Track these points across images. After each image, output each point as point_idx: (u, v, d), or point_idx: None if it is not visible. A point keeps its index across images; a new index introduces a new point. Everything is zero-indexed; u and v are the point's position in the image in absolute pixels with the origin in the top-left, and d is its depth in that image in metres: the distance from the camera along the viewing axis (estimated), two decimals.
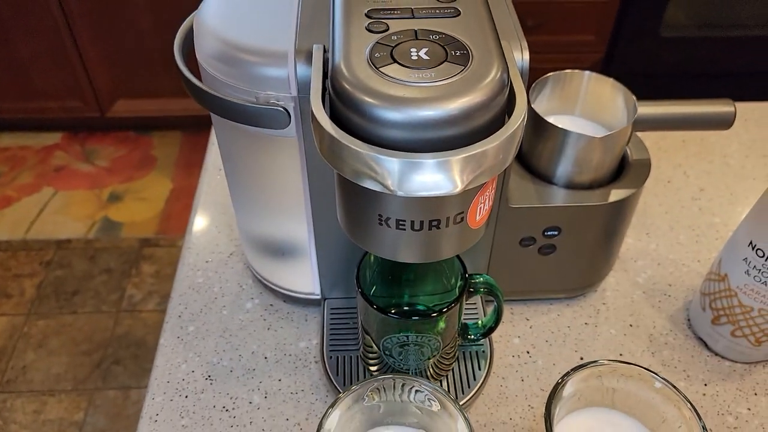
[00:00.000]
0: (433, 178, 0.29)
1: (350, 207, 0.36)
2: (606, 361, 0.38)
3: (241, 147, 0.46)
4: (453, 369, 0.49)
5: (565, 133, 0.47)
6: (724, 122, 0.49)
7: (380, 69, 0.31)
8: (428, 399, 0.38)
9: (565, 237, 0.50)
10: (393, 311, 0.42)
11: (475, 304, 0.54)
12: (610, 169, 0.49)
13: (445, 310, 0.42)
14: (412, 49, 0.32)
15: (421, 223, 0.34)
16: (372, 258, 0.46)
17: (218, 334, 0.54)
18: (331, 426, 0.36)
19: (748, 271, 0.47)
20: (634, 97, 0.48)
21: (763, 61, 1.75)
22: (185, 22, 0.44)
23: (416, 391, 0.38)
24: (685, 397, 0.37)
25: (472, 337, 0.49)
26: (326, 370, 0.49)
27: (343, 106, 0.31)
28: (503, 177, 0.45)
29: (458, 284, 0.46)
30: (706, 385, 0.51)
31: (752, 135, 0.73)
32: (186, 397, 0.50)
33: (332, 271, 0.51)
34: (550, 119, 0.47)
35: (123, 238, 1.65)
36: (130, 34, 1.63)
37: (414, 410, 0.39)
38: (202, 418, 0.48)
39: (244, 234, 0.55)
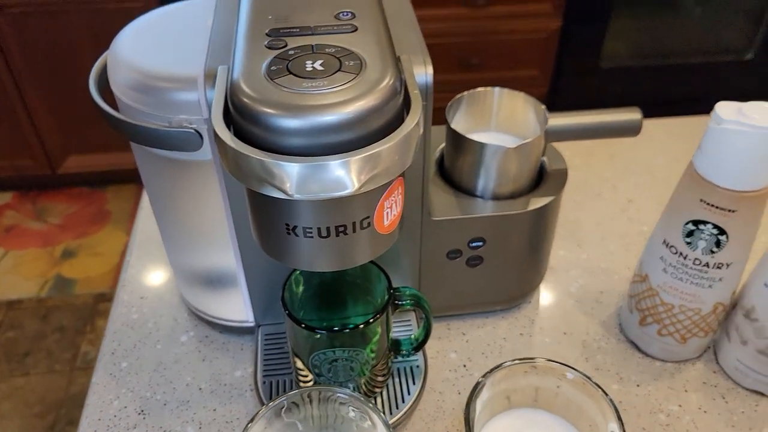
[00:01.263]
0: (328, 179, 0.30)
1: (260, 220, 0.36)
2: (519, 360, 0.39)
3: (163, 177, 0.47)
4: (387, 386, 0.49)
5: (481, 146, 0.48)
6: (632, 129, 0.51)
7: (275, 80, 0.32)
8: (352, 410, 0.38)
9: (490, 247, 0.51)
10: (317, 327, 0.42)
11: (409, 321, 0.54)
12: (528, 179, 0.51)
13: (371, 320, 0.43)
14: (307, 62, 0.33)
15: (328, 229, 0.34)
16: (297, 280, 0.46)
17: (152, 368, 0.53)
18: None
19: (665, 268, 0.48)
20: (545, 108, 0.50)
21: (701, 87, 1.83)
22: (99, 60, 0.45)
23: (339, 402, 0.38)
24: (597, 385, 0.38)
25: (404, 352, 0.49)
26: (260, 396, 0.49)
27: (242, 119, 0.32)
28: (422, 190, 0.46)
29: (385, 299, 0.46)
30: (638, 385, 0.51)
31: (678, 148, 0.76)
32: None
33: (263, 298, 0.51)
34: (469, 135, 0.49)
35: (77, 295, 1.61)
36: (78, 89, 1.63)
37: (338, 424, 0.39)
38: None
39: (175, 267, 0.55)
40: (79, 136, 1.73)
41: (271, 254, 0.38)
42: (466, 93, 0.52)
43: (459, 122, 0.53)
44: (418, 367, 0.51)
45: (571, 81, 1.74)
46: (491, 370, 0.38)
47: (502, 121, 0.53)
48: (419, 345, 0.49)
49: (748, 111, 0.41)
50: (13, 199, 1.87)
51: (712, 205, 0.44)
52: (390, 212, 0.36)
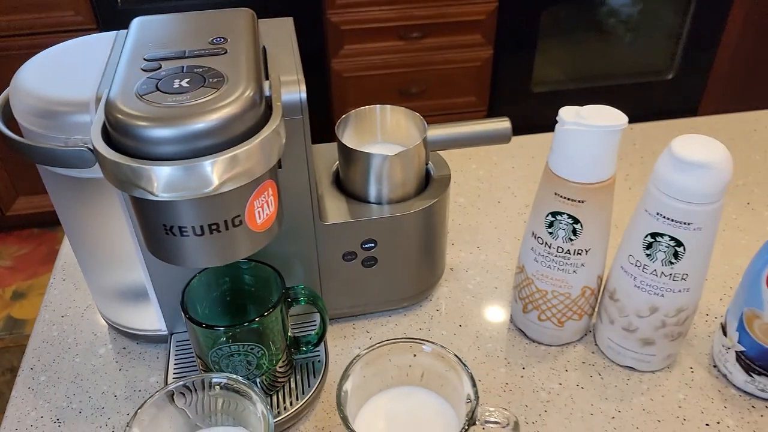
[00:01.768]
0: (189, 180, 0.35)
1: (143, 224, 0.40)
2: (387, 341, 0.43)
3: (69, 198, 0.51)
4: (290, 380, 0.53)
5: (366, 155, 0.53)
6: (504, 137, 0.57)
7: (144, 97, 0.36)
8: (235, 393, 0.42)
9: (383, 248, 0.56)
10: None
11: (314, 321, 0.58)
12: (415, 185, 0.56)
13: (264, 315, 0.47)
14: (176, 80, 0.38)
15: (201, 227, 0.39)
16: (198, 287, 0.50)
17: (69, 380, 0.56)
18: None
19: (536, 258, 0.54)
20: (423, 119, 0.56)
21: (627, 106, 1.93)
22: (4, 93, 0.49)
23: (223, 386, 0.42)
24: (454, 354, 0.42)
25: (304, 348, 0.53)
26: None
27: (116, 133, 0.36)
28: (311, 197, 0.51)
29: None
30: (524, 368, 0.56)
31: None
32: None
33: (173, 307, 0.55)
34: (359, 149, 0.54)
35: (27, 335, 1.60)
36: None
37: (225, 409, 0.43)
38: None
39: (91, 285, 0.58)
40: (27, 178, 1.75)
41: (158, 255, 0.42)
42: (353, 111, 0.57)
43: (350, 138, 0.58)
44: (319, 362, 0.54)
45: (506, 106, 1.83)
46: (358, 355, 0.42)
47: (388, 134, 0.59)
48: (317, 341, 0.53)
49: (585, 113, 0.47)
50: None
51: (565, 198, 0.49)
52: (262, 211, 0.41)
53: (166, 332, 0.57)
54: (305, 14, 1.62)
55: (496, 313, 0.61)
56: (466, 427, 0.39)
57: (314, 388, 0.52)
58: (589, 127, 0.46)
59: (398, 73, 1.76)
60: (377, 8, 1.64)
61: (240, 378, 0.41)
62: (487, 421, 0.41)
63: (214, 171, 0.35)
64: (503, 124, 0.57)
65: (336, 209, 0.55)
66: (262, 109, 0.39)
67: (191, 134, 0.35)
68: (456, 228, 0.71)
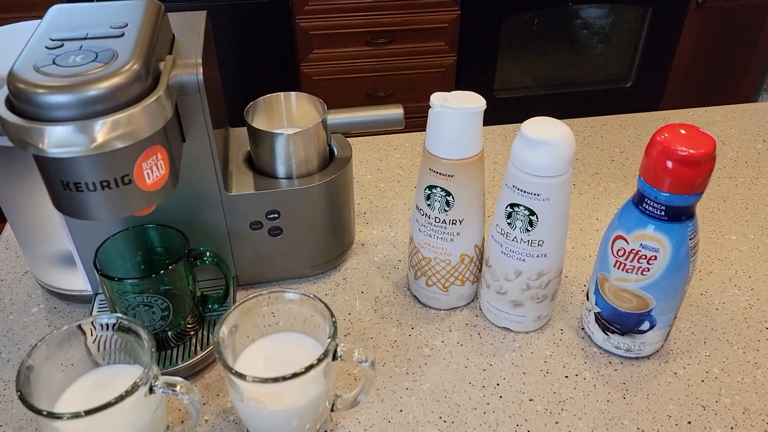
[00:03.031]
0: (74, 138, 0.41)
1: (46, 183, 0.46)
2: (260, 292, 0.49)
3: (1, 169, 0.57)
4: (198, 333, 0.59)
5: (269, 135, 0.60)
6: (397, 123, 0.64)
7: (40, 69, 0.43)
8: (129, 333, 0.48)
9: (286, 219, 0.62)
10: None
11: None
12: (317, 163, 0.63)
13: (169, 267, 0.53)
14: (71, 56, 0.44)
15: (94, 184, 0.45)
16: (111, 248, 0.56)
17: (2, 334, 0.62)
18: (31, 369, 0.45)
19: (420, 228, 0.60)
20: (323, 103, 0.62)
21: (587, 113, 2.01)
22: None
23: (106, 324, 0.48)
24: (314, 296, 0.48)
25: (210, 306, 0.59)
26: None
27: (17, 101, 0.43)
28: (215, 169, 0.57)
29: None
30: (413, 328, 0.62)
31: (494, 150, 0.89)
32: None
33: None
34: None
35: None
36: None
37: (124, 348, 0.49)
38: None
39: (26, 251, 0.64)
40: None
41: (63, 210, 0.48)
42: (261, 98, 0.64)
43: (259, 122, 0.64)
44: None
45: None
46: (231, 308, 0.49)
47: (294, 119, 0.65)
48: (223, 299, 0.59)
49: (451, 98, 0.54)
50: None
51: (437, 173, 0.56)
52: (151, 173, 0.47)
53: (91, 293, 0.63)
54: (275, 20, 1.70)
55: (396, 283, 0.67)
56: (323, 357, 0.45)
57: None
58: (453, 110, 0.53)
59: (366, 77, 1.83)
60: (345, 15, 1.72)
61: (125, 316, 0.47)
62: (345, 359, 0.47)
63: (98, 130, 0.41)
64: (396, 110, 0.63)
65: (244, 183, 0.61)
66: (150, 84, 0.45)
67: (80, 101, 0.42)
68: (373, 209, 0.78)
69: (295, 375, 0.44)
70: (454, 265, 0.60)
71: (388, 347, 0.60)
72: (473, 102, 0.54)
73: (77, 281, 0.63)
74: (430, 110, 0.55)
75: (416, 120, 1.99)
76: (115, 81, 0.43)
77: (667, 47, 1.89)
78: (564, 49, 1.91)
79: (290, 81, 1.80)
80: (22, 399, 0.42)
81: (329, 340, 0.46)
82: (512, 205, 0.54)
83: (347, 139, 0.67)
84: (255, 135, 0.61)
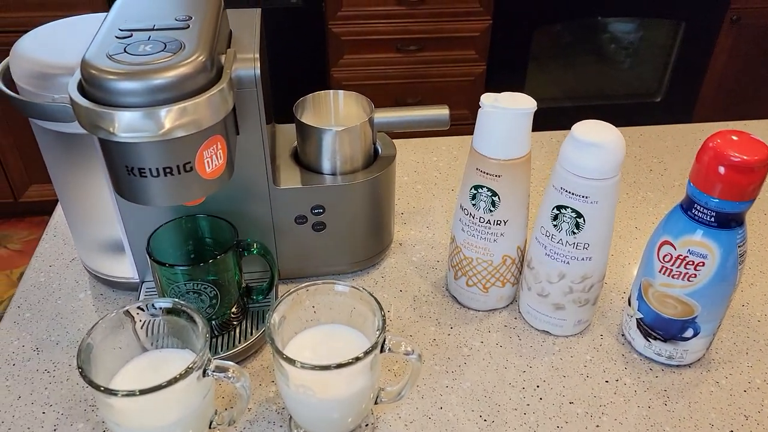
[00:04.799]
0: (143, 124, 0.42)
1: (110, 167, 0.48)
2: (310, 283, 0.50)
3: (58, 153, 0.59)
4: (242, 323, 0.60)
5: (318, 130, 0.61)
6: (442, 123, 0.64)
7: (112, 57, 0.44)
8: (180, 318, 0.49)
9: (331, 214, 0.63)
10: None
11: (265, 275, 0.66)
12: (362, 160, 0.64)
13: (218, 256, 0.54)
14: (141, 46, 0.46)
15: (157, 170, 0.46)
16: (162, 236, 0.57)
17: (51, 318, 0.63)
18: (91, 347, 0.46)
19: (463, 228, 0.60)
20: (371, 102, 0.63)
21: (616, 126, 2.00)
22: (4, 61, 0.57)
23: (164, 308, 0.49)
24: (363, 289, 0.49)
25: (255, 297, 0.60)
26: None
27: (90, 87, 0.44)
28: (265, 163, 0.58)
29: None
30: (452, 328, 0.63)
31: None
32: (13, 365, 0.58)
33: (144, 257, 0.62)
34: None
35: None
36: None
37: (175, 332, 0.50)
38: (25, 379, 0.57)
39: (76, 237, 0.66)
40: (41, 167, 1.84)
41: (123, 195, 0.49)
42: (310, 95, 0.65)
43: (307, 118, 0.65)
44: (269, 310, 0.61)
45: None
46: (283, 295, 0.49)
47: (341, 117, 0.66)
48: (267, 290, 0.60)
49: (501, 99, 0.54)
50: None
51: (484, 172, 0.56)
52: (211, 162, 0.48)
53: (137, 280, 0.65)
54: (309, 24, 1.72)
55: (435, 283, 0.68)
56: (372, 349, 0.45)
57: (262, 331, 0.59)
58: (503, 110, 0.54)
59: (395, 83, 1.84)
60: (377, 21, 1.73)
61: (182, 301, 0.48)
62: (393, 350, 0.47)
63: (166, 117, 0.43)
64: (442, 110, 0.64)
65: (291, 178, 0.62)
66: (214, 75, 0.47)
67: (149, 88, 0.43)
68: (411, 210, 0.78)
69: (344, 364, 0.44)
70: (496, 266, 0.61)
71: (428, 345, 0.61)
72: (523, 103, 0.54)
73: (124, 268, 0.64)
74: (479, 110, 0.55)
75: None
76: (182, 70, 0.44)
77: (699, 62, 1.88)
78: (593, 61, 1.91)
79: (320, 85, 1.82)
80: (83, 375, 0.43)
81: (378, 332, 0.47)
82: (559, 207, 0.55)
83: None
84: (303, 130, 0.62)
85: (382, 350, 0.47)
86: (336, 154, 0.62)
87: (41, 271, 0.69)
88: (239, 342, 0.58)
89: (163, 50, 0.45)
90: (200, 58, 0.45)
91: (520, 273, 0.63)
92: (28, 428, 0.53)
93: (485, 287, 0.62)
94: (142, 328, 0.50)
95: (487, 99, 0.55)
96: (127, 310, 0.49)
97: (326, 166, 0.63)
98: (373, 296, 0.49)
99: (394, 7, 1.71)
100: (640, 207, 0.80)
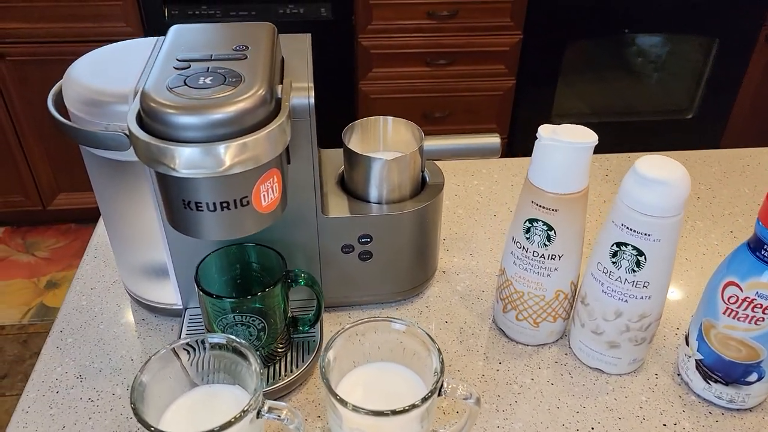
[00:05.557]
0: (204, 160, 0.41)
1: (166, 199, 0.47)
2: (367, 319, 0.49)
3: (106, 178, 0.58)
4: (287, 355, 0.59)
5: (368, 159, 0.60)
6: (494, 152, 0.63)
7: (173, 89, 0.43)
8: (233, 353, 0.48)
9: (378, 244, 0.61)
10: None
11: (313, 307, 0.64)
12: (410, 189, 0.62)
13: (267, 289, 0.53)
14: (201, 78, 0.45)
15: (214, 204, 0.45)
16: (211, 264, 0.56)
17: (93, 343, 0.63)
18: (143, 386, 0.45)
19: (515, 261, 0.59)
20: (421, 130, 0.62)
21: (646, 143, 1.97)
22: (57, 84, 0.57)
23: (222, 345, 0.48)
24: (420, 328, 0.48)
25: (301, 328, 0.59)
26: None
27: (148, 119, 0.43)
28: (314, 192, 0.57)
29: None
30: (500, 363, 0.61)
31: None
32: (57, 392, 0.58)
33: (188, 283, 0.62)
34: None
35: None
36: None
37: (223, 368, 0.49)
38: (68, 408, 0.56)
39: (119, 260, 0.65)
40: (69, 175, 1.86)
41: (178, 228, 0.48)
42: (358, 121, 0.64)
43: (355, 145, 0.64)
44: (314, 341, 0.60)
45: (525, 134, 1.89)
46: (337, 332, 0.48)
47: (389, 143, 0.65)
48: (314, 321, 0.59)
49: (560, 131, 0.53)
50: (4, 234, 1.98)
51: (540, 206, 0.55)
52: (267, 195, 0.47)
53: (180, 307, 0.64)
54: (338, 37, 1.71)
55: (480, 314, 0.66)
56: (429, 395, 0.44)
57: (308, 363, 0.58)
58: (563, 143, 0.52)
59: (423, 97, 1.83)
60: (407, 35, 1.72)
61: (237, 338, 0.47)
62: (450, 394, 0.46)
63: (226, 154, 0.42)
64: (493, 139, 0.63)
65: (337, 205, 0.61)
66: (272, 108, 0.46)
67: (210, 123, 0.42)
68: (453, 236, 0.77)
69: (400, 411, 0.43)
70: (548, 301, 0.59)
71: (477, 381, 0.59)
72: (584, 136, 0.53)
73: (168, 294, 0.64)
74: (537, 142, 0.54)
75: None
76: (243, 105, 0.43)
77: (732, 80, 1.85)
78: (624, 77, 1.88)
79: (348, 98, 1.81)
80: (137, 414, 0.42)
81: (436, 375, 0.46)
82: (618, 244, 0.53)
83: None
84: (352, 158, 0.61)
85: (438, 394, 0.46)
86: (385, 182, 0.61)
87: (83, 294, 0.68)
88: (285, 375, 0.57)
89: (223, 83, 0.44)
90: (260, 92, 0.44)
91: (572, 307, 0.62)
92: None
93: (536, 322, 0.61)
94: (191, 363, 0.49)
95: (545, 131, 0.53)
96: (176, 349, 0.48)
97: (374, 194, 0.61)
98: (430, 337, 0.48)
99: (424, 20, 1.70)
100: (689, 237, 0.77)
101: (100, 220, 0.79)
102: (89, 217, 2.01)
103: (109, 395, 0.57)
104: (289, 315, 0.59)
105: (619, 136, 1.94)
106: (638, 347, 0.58)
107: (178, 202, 0.46)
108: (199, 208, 0.46)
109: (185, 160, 0.41)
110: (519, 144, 1.91)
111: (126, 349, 0.62)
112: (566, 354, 0.62)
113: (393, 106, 1.84)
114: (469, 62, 1.78)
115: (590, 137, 0.52)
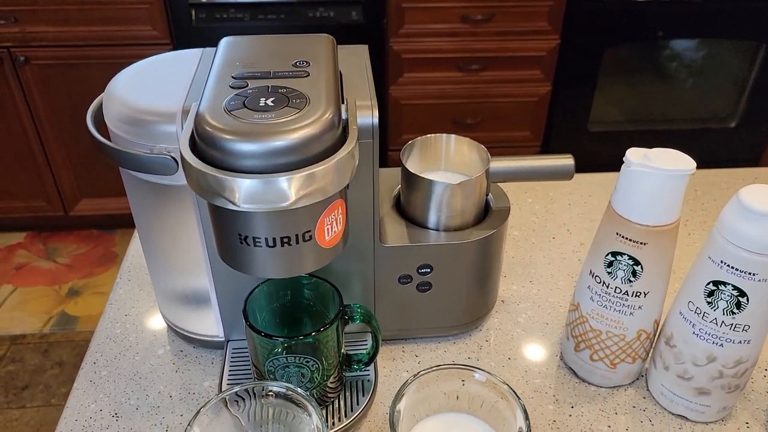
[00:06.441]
0: (268, 193, 0.37)
1: (220, 232, 0.42)
2: (442, 366, 0.44)
3: (147, 202, 0.54)
4: (339, 396, 0.54)
5: (429, 182, 0.55)
6: (566, 173, 0.57)
7: (232, 113, 0.39)
8: (290, 403, 0.43)
9: (438, 274, 0.56)
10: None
11: (365, 341, 0.59)
12: (474, 214, 0.57)
13: (320, 330, 0.48)
14: (261, 99, 0.40)
15: (274, 240, 0.40)
16: (259, 296, 0.52)
17: (129, 377, 0.58)
18: None
19: (592, 297, 0.53)
20: (487, 150, 0.57)
21: (686, 152, 1.90)
22: (96, 99, 0.52)
23: (281, 395, 0.43)
24: (505, 383, 0.42)
25: (355, 366, 0.54)
26: None
27: (204, 144, 0.39)
28: (373, 219, 0.52)
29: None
30: (572, 407, 0.55)
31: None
32: None
33: (232, 315, 0.57)
34: (421, 175, 0.55)
35: (78, 331, 1.66)
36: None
37: (277, 418, 0.44)
38: None
39: (157, 287, 0.61)
40: (92, 180, 1.83)
41: (229, 262, 0.43)
42: (418, 138, 0.59)
43: (413, 164, 0.59)
44: (369, 381, 0.55)
45: (560, 142, 1.82)
46: (413, 376, 0.43)
47: (451, 163, 0.60)
48: (369, 359, 0.54)
49: (653, 156, 0.47)
50: (26, 239, 1.95)
51: (627, 238, 0.49)
52: (331, 228, 0.42)
53: (222, 339, 0.59)
54: (368, 41, 1.66)
55: (546, 349, 0.61)
56: None
57: (363, 407, 0.53)
58: (656, 170, 0.47)
59: (454, 103, 1.78)
60: (439, 39, 1.67)
61: (298, 389, 0.42)
62: None
63: (291, 186, 0.37)
64: (567, 161, 0.57)
65: (396, 233, 0.56)
66: (339, 131, 0.41)
67: (274, 150, 0.37)
68: (509, 261, 0.71)
69: None
70: (629, 341, 0.54)
71: (548, 428, 0.54)
72: (680, 163, 0.47)
73: (208, 325, 0.59)
74: (624, 168, 0.49)
75: (505, 149, 1.92)
76: (311, 130, 0.38)
77: None
78: (662, 84, 1.81)
79: (378, 104, 1.76)
80: None
81: None
82: (717, 283, 0.47)
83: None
84: (410, 180, 0.56)
85: None
86: (447, 208, 0.55)
87: (117, 321, 0.64)
88: (339, 419, 0.52)
89: (286, 105, 0.40)
90: (328, 115, 0.39)
91: (652, 347, 0.56)
92: None
93: (613, 363, 0.55)
94: (242, 412, 0.44)
95: (634, 155, 0.48)
96: (227, 400, 0.43)
97: (433, 219, 0.56)
98: (514, 391, 0.42)
99: (457, 24, 1.65)
100: None
101: (134, 239, 0.75)
102: (111, 223, 1.98)
103: None
104: (343, 351, 0.54)
105: (659, 145, 1.86)
106: (730, 395, 0.52)
107: (233, 237, 0.41)
108: (257, 244, 0.41)
109: (246, 194, 0.37)
110: (554, 153, 1.84)
111: (164, 384, 0.57)
112: (644, 398, 0.56)
113: (422, 111, 1.78)
114: (503, 67, 1.72)
115: (687, 164, 0.47)
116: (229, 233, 0.41)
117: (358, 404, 0.53)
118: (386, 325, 0.59)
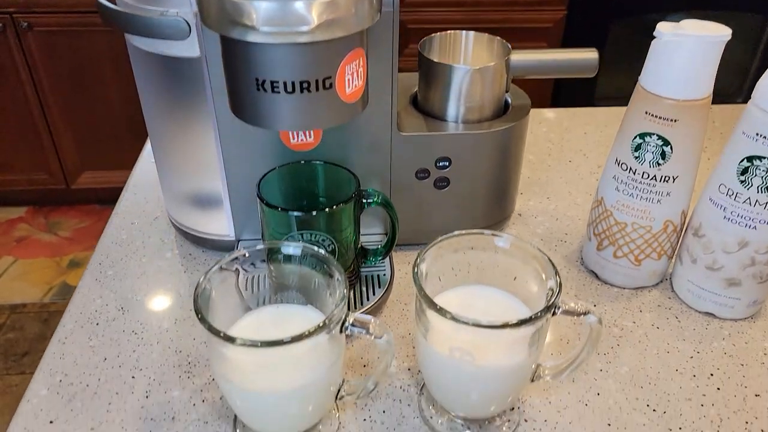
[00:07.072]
0: (289, 14, 0.35)
1: (233, 80, 0.40)
2: (463, 232, 0.42)
3: (157, 81, 0.51)
4: (354, 289, 0.52)
5: (449, 68, 0.53)
6: (590, 68, 0.56)
7: None
8: (307, 266, 0.41)
9: (456, 169, 0.54)
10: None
11: (379, 238, 0.57)
12: (492, 108, 0.55)
13: (334, 207, 0.46)
14: None
15: (293, 84, 0.39)
16: (273, 179, 0.50)
17: (136, 276, 0.56)
18: (205, 299, 0.38)
19: (617, 187, 0.52)
20: (507, 43, 0.55)
21: None
22: None
23: (290, 256, 0.41)
24: (530, 243, 0.40)
25: (372, 258, 0.52)
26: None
27: None
28: (391, 106, 0.50)
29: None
30: (595, 305, 0.54)
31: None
32: (97, 324, 0.51)
33: (243, 213, 0.55)
34: None
35: None
36: (98, 108, 1.72)
37: (296, 284, 0.42)
38: (110, 340, 0.50)
39: (165, 189, 0.59)
40: (94, 153, 1.81)
41: (245, 117, 0.42)
42: (437, 34, 0.57)
43: (433, 58, 0.58)
44: (384, 275, 0.53)
45: None
46: (430, 244, 0.41)
47: (470, 58, 0.58)
48: (386, 251, 0.52)
49: (685, 25, 0.46)
50: (27, 213, 1.93)
51: (656, 116, 0.48)
52: (351, 80, 0.41)
53: (233, 238, 0.57)
54: None
55: (567, 256, 0.59)
56: (542, 313, 0.37)
57: (378, 297, 0.51)
58: (690, 37, 0.45)
59: None
60: (446, 9, 1.66)
61: (314, 248, 0.40)
62: (568, 312, 0.38)
63: (315, 11, 0.35)
64: (590, 54, 0.55)
65: (414, 124, 0.54)
66: None
67: None
68: (525, 181, 0.70)
69: (509, 325, 0.36)
70: (655, 234, 0.52)
71: (570, 325, 0.52)
72: (714, 29, 0.45)
73: (219, 225, 0.57)
74: (654, 42, 0.47)
75: None
76: None
77: None
78: None
79: None
80: (201, 319, 0.35)
81: (551, 291, 0.38)
82: (751, 158, 0.46)
83: None
84: (429, 68, 0.54)
85: (554, 313, 0.39)
86: (466, 97, 0.54)
87: (122, 228, 0.62)
88: (355, 307, 0.50)
89: None
90: None
91: (678, 244, 0.54)
92: (117, 393, 0.45)
93: (638, 259, 0.53)
94: (247, 285, 0.42)
95: (665, 27, 0.46)
96: (236, 258, 0.41)
97: (452, 112, 0.55)
98: (541, 251, 0.40)
99: None
100: None
101: (143, 153, 0.73)
102: (114, 197, 1.95)
103: (155, 328, 0.51)
104: (359, 245, 0.52)
105: None
106: (762, 285, 0.50)
107: (250, 84, 0.39)
108: (275, 89, 0.39)
109: (265, 15, 0.35)
110: None
111: (172, 282, 0.55)
112: (670, 298, 0.54)
113: None
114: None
115: (722, 30, 0.45)
116: (246, 80, 0.39)
117: (374, 295, 0.51)
118: (402, 225, 0.57)
